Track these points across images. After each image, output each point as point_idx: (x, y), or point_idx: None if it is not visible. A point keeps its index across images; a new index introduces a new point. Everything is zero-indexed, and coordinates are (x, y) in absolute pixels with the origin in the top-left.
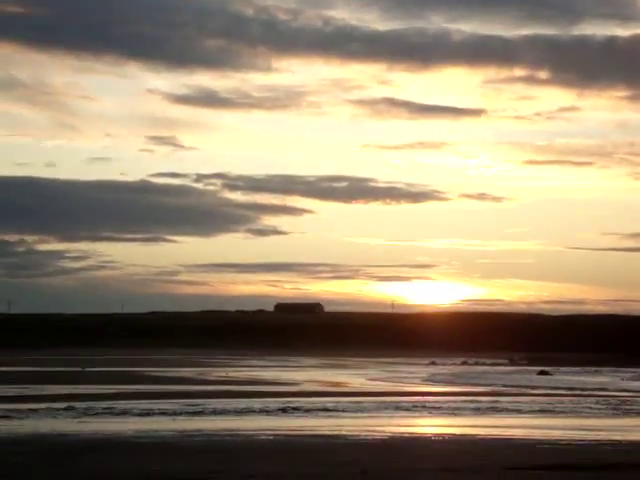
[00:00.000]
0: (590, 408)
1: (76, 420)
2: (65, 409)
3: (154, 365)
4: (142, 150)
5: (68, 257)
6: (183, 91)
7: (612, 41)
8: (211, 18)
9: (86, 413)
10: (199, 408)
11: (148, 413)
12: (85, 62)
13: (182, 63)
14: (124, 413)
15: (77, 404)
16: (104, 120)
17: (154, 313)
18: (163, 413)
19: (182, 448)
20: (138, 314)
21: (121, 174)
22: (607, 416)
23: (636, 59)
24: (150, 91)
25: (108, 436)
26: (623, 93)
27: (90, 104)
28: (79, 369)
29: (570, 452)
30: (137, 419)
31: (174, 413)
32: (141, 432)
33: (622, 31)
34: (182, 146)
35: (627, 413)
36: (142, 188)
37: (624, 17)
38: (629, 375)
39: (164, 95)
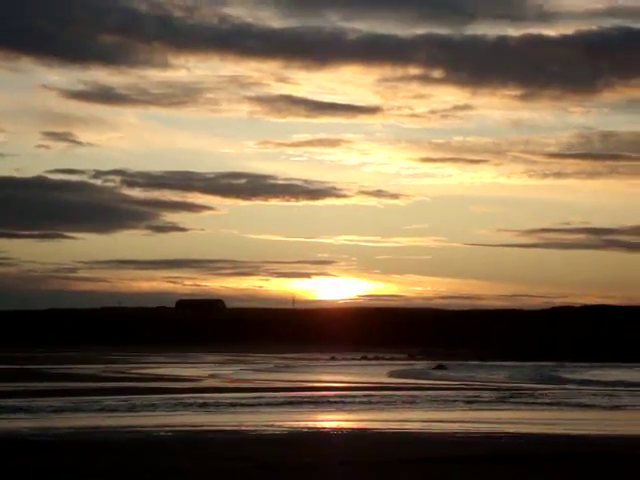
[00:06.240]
0: (484, 401)
1: None
2: None
3: (53, 362)
4: (38, 146)
5: None
6: (79, 87)
7: (503, 41)
8: (106, 14)
9: None
10: (97, 405)
11: (44, 410)
12: None
13: (77, 59)
14: (18, 410)
15: None
16: None
17: (52, 310)
18: (61, 410)
19: (79, 445)
20: (36, 311)
21: (16, 170)
22: (501, 409)
23: (527, 58)
24: (45, 86)
25: (1, 435)
26: (516, 92)
27: None
28: None
29: (465, 444)
30: (33, 416)
31: (73, 410)
32: (37, 430)
33: (513, 31)
34: (79, 142)
35: (517, 405)
36: (39, 184)
37: (515, 17)
38: (519, 368)
39: (59, 91)
